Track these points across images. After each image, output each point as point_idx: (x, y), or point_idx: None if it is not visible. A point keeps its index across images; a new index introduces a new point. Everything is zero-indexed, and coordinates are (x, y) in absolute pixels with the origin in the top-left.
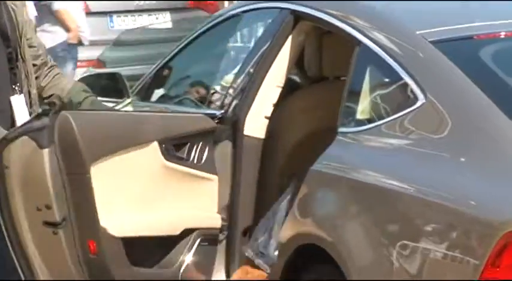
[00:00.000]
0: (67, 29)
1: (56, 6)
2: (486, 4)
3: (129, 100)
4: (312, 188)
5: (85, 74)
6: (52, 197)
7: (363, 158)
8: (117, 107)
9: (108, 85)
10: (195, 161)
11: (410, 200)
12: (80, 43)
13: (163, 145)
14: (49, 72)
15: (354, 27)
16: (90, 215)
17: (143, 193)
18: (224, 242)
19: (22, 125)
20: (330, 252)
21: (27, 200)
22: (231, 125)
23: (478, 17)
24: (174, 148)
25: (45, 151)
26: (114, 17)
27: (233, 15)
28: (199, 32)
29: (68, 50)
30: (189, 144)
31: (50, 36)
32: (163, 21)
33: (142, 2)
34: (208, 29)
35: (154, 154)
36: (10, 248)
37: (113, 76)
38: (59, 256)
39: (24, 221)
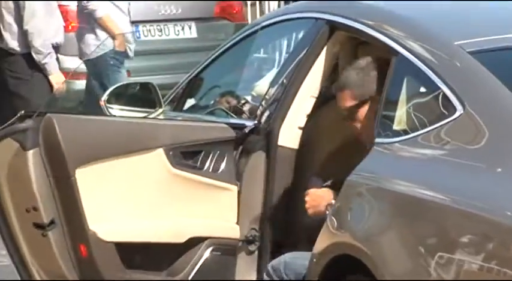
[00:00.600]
0: (112, 37)
1: (99, 13)
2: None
3: (161, 110)
4: (348, 199)
5: (118, 84)
6: (38, 199)
7: (400, 169)
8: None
9: (140, 95)
10: (211, 170)
11: (446, 211)
12: (126, 53)
13: (171, 152)
14: None
15: (389, 37)
16: (78, 218)
17: (143, 199)
18: (245, 252)
19: (5, 127)
20: (366, 263)
21: (16, 201)
22: (264, 135)
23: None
24: (188, 156)
25: (29, 153)
26: (140, 26)
27: (267, 26)
28: (232, 42)
29: (117, 58)
30: (203, 152)
31: (95, 48)
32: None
33: (167, 11)
34: (241, 39)
35: (158, 160)
36: (6, 249)
37: (146, 86)
38: (51, 258)
39: (15, 222)
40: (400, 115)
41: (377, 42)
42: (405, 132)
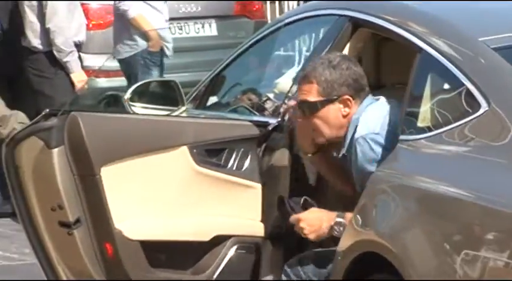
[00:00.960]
0: (146, 38)
1: (132, 13)
2: None
3: (184, 108)
4: (372, 196)
5: (141, 82)
6: (63, 198)
7: (424, 166)
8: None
9: (163, 93)
10: (234, 168)
11: (471, 208)
12: (163, 53)
13: (195, 150)
14: None
15: (413, 34)
16: (103, 217)
17: (167, 197)
18: (270, 250)
19: (30, 125)
20: (392, 260)
21: (41, 200)
22: (287, 132)
23: None
24: (212, 153)
25: (54, 151)
26: None
27: (289, 23)
28: (254, 39)
29: (149, 58)
30: (227, 150)
31: (128, 49)
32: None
33: (187, 9)
34: (264, 37)
35: (183, 158)
36: (31, 248)
37: (168, 84)
38: (76, 257)
39: (41, 221)
40: (424, 112)
41: (400, 39)
42: (429, 129)
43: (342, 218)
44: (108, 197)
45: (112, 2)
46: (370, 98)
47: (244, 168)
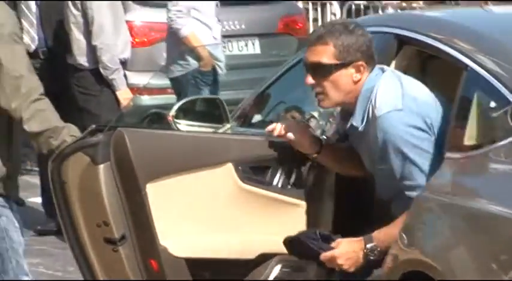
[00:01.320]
0: (197, 56)
1: (184, 32)
2: None
3: (228, 125)
4: (419, 214)
5: (186, 99)
6: (109, 214)
7: (471, 184)
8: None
9: (208, 110)
10: (279, 186)
11: None
12: (214, 72)
13: (240, 167)
14: None
15: (459, 51)
16: (149, 233)
17: (212, 214)
18: (315, 269)
19: (77, 140)
20: (438, 279)
21: (87, 216)
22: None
23: None
24: (257, 171)
25: (100, 167)
26: None
27: None
28: (299, 57)
29: (200, 77)
30: (272, 168)
31: (180, 68)
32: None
33: (231, 27)
34: None
35: (227, 175)
36: (77, 266)
37: (213, 101)
38: (122, 273)
39: (86, 238)
40: (471, 130)
41: (446, 56)
42: (476, 147)
43: (371, 243)
44: (154, 214)
45: (156, 20)
46: (377, 67)
47: (289, 186)
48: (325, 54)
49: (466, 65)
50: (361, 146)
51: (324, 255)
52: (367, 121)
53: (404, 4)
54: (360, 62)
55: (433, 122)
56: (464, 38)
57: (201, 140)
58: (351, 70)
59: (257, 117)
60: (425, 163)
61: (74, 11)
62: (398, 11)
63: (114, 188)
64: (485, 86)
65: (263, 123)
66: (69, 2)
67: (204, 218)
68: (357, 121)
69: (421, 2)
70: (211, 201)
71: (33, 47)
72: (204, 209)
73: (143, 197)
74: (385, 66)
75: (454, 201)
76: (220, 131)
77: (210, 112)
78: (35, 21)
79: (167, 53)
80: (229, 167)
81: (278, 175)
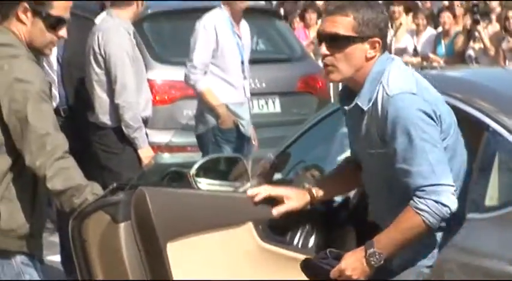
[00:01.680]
0: (216, 115)
1: (199, 87)
2: None
3: (249, 184)
4: (440, 275)
5: (207, 158)
6: (129, 273)
7: (493, 246)
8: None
9: (229, 169)
10: (300, 245)
11: None
12: (236, 130)
13: (260, 226)
14: None
15: (480, 111)
16: None
17: (232, 274)
18: None
19: (98, 199)
20: None
21: (107, 275)
22: (353, 209)
23: None
24: (277, 230)
25: (121, 226)
26: None
27: None
28: (320, 116)
29: (221, 135)
30: (292, 227)
31: (201, 125)
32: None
33: (251, 85)
34: (330, 114)
35: (247, 234)
36: None
37: (234, 160)
38: None
39: None
40: (492, 191)
41: (467, 115)
42: (497, 208)
43: (372, 248)
44: (174, 273)
45: (177, 78)
46: (387, 53)
47: (309, 245)
48: (344, 26)
49: (488, 125)
50: (358, 128)
51: (333, 272)
52: (374, 102)
53: (424, 63)
54: (377, 39)
55: (442, 114)
56: (483, 96)
57: (221, 200)
58: (366, 46)
59: (277, 176)
60: (427, 151)
61: (97, 70)
62: (419, 69)
63: (134, 247)
64: (506, 146)
65: (283, 182)
66: (92, 60)
67: (225, 278)
68: (362, 101)
69: (441, 61)
70: (231, 260)
71: (54, 104)
72: (225, 268)
73: (163, 257)
74: (394, 56)
75: (475, 262)
76: (241, 189)
77: (231, 171)
78: (56, 79)
79: (196, 109)
80: (249, 226)
81: (298, 234)
